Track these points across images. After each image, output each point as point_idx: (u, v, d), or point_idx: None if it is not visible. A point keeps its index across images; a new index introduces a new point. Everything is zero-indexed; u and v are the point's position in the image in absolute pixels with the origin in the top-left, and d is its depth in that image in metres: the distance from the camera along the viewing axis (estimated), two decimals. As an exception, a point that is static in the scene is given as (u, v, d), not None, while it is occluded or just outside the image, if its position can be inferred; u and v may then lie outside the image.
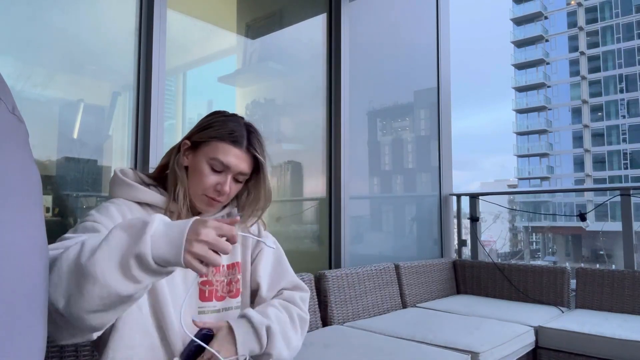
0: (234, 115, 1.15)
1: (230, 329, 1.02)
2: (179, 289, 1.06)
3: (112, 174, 1.13)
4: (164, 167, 1.15)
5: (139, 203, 1.08)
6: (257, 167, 1.14)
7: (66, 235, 0.95)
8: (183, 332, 1.02)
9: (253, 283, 1.19)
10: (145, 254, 0.72)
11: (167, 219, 0.80)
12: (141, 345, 0.99)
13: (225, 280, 1.14)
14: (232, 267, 1.16)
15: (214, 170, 1.08)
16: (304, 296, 1.22)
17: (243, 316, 1.06)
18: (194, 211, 1.12)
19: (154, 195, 1.09)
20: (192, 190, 1.09)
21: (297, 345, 1.13)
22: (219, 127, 1.09)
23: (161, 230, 0.75)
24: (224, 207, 1.19)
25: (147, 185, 1.12)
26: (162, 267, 0.75)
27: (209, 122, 1.11)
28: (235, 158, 1.08)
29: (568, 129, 40.32)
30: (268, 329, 1.05)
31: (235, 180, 1.11)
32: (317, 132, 2.87)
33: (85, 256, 0.73)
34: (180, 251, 0.73)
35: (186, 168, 1.11)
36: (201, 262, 0.75)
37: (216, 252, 0.76)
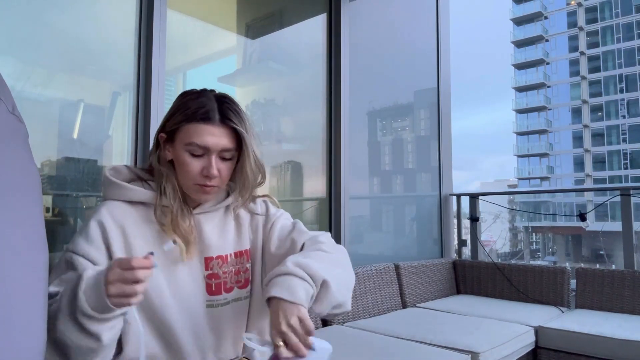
0: (203, 90, 1.05)
1: (275, 299, 0.87)
2: (186, 288, 1.02)
3: (103, 176, 1.07)
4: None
5: (131, 202, 1.03)
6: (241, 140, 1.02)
7: (52, 290, 0.90)
8: (188, 334, 1.00)
9: (272, 250, 1.09)
10: (84, 308, 0.80)
11: (98, 268, 0.86)
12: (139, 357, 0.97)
13: (234, 270, 1.08)
14: (239, 255, 1.10)
15: (195, 156, 0.99)
16: (326, 234, 1.10)
17: (270, 278, 0.92)
18: (190, 204, 1.07)
19: (142, 193, 1.03)
20: (183, 183, 1.03)
21: (350, 270, 1.04)
22: (186, 108, 1.00)
23: (91, 283, 0.82)
24: (227, 197, 1.12)
25: (143, 181, 1.06)
26: (107, 314, 0.81)
27: (176, 107, 1.03)
28: (211, 136, 0.98)
29: (568, 129, 40.31)
30: (300, 265, 0.92)
31: (223, 158, 1.01)
32: (317, 132, 2.87)
33: (52, 329, 0.82)
34: (104, 298, 0.79)
35: (172, 162, 1.04)
36: (128, 296, 0.80)
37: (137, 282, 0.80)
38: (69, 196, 1.90)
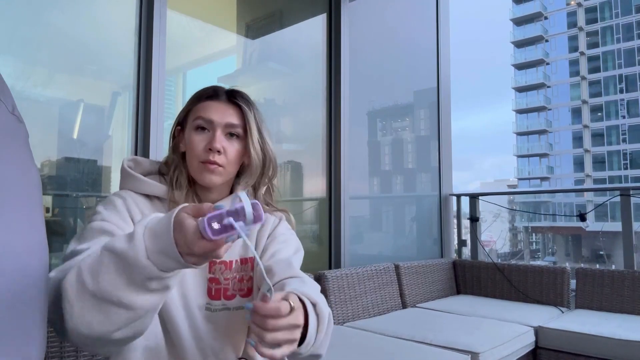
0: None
1: (303, 303, 0.77)
2: (188, 286, 1.01)
3: (121, 166, 1.07)
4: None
5: (148, 196, 1.03)
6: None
7: (77, 247, 0.85)
8: (189, 334, 0.99)
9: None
10: (145, 267, 0.66)
11: (158, 215, 0.72)
12: (144, 347, 0.96)
13: (237, 277, 1.05)
14: (244, 262, 1.07)
15: (201, 130, 1.01)
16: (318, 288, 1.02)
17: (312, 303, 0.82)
18: (199, 198, 1.05)
19: (157, 187, 1.02)
20: (191, 167, 1.02)
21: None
22: (196, 94, 1.07)
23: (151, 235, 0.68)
24: (231, 192, 1.08)
25: (161, 175, 1.06)
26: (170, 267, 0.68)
27: (189, 99, 1.09)
28: (216, 110, 1.01)
29: (568, 129, 40.32)
30: (328, 326, 0.85)
31: (229, 135, 1.02)
32: (317, 132, 2.87)
33: (89, 282, 0.68)
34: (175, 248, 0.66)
35: (184, 154, 1.04)
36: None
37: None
38: (69, 196, 1.90)
